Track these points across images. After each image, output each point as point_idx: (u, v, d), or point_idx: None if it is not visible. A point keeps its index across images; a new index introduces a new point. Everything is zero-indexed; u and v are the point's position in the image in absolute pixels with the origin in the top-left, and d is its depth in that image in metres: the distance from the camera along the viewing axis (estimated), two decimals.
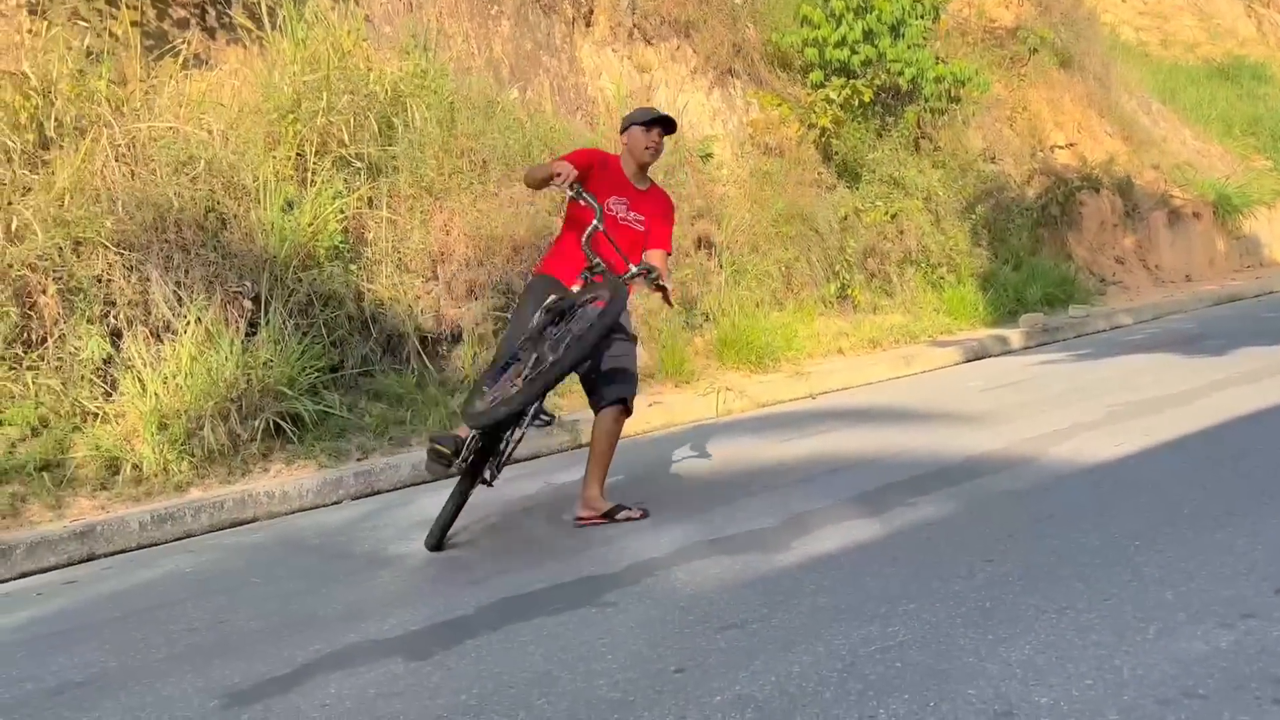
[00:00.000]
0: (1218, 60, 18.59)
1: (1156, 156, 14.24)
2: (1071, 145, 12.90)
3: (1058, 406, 5.67)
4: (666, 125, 4.29)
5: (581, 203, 3.97)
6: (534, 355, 3.81)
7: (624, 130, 4.39)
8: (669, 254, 4.45)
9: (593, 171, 4.16)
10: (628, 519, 4.10)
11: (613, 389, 4.17)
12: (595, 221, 3.95)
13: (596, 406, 4.25)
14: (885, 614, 2.73)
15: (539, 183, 4.15)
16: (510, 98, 8.29)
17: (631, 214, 4.29)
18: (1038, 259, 11.40)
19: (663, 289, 4.16)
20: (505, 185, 7.42)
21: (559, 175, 3.92)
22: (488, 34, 8.74)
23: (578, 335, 3.69)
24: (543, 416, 4.10)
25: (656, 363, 7.59)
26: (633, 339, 4.30)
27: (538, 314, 3.95)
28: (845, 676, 2.35)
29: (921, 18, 10.50)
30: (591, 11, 9.52)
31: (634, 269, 4.00)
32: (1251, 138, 16.65)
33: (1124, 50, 16.86)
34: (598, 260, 3.97)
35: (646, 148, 4.28)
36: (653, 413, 6.76)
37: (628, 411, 4.25)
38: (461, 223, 7.09)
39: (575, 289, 4.04)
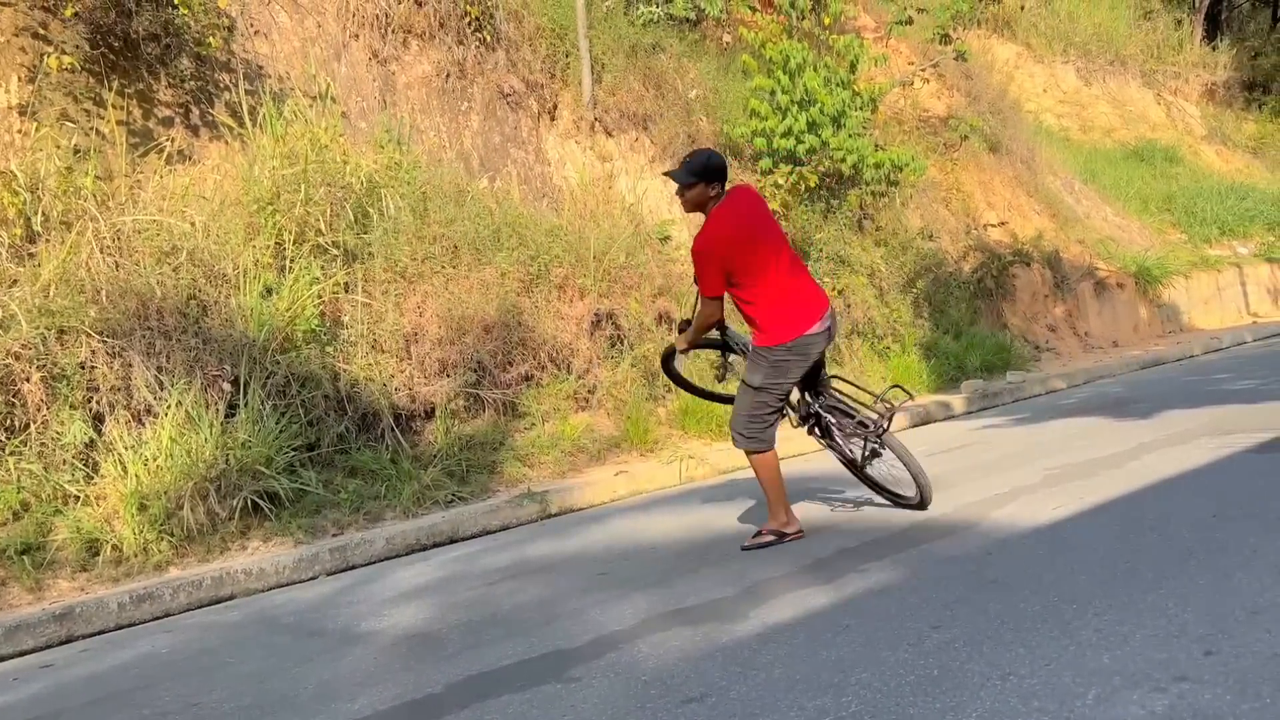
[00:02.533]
0: (1132, 144, 19.17)
1: (1081, 232, 14.57)
2: (1003, 223, 13.18)
3: (998, 471, 5.69)
4: (672, 176, 4.45)
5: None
6: None
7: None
8: (701, 297, 4.49)
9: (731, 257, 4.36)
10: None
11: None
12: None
13: None
14: (839, 684, 2.68)
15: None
16: (480, 187, 8.35)
17: None
18: (976, 329, 11.55)
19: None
20: (475, 268, 7.44)
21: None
22: (458, 128, 8.83)
23: None
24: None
25: (622, 432, 7.56)
26: (745, 387, 4.53)
27: None
28: None
29: (860, 109, 10.75)
30: (555, 106, 9.67)
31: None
32: (1166, 213, 17.11)
33: (1047, 135, 17.35)
34: None
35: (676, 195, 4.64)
36: (618, 481, 6.71)
37: (743, 448, 4.60)
38: (434, 304, 7.08)
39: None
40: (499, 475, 6.70)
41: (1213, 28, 23.87)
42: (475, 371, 7.09)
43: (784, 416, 4.70)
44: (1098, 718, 2.28)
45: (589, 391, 7.68)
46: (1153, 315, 14.41)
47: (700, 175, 4.31)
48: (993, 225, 13.06)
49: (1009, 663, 2.68)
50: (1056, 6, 20.67)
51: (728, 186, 4.42)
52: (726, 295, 4.42)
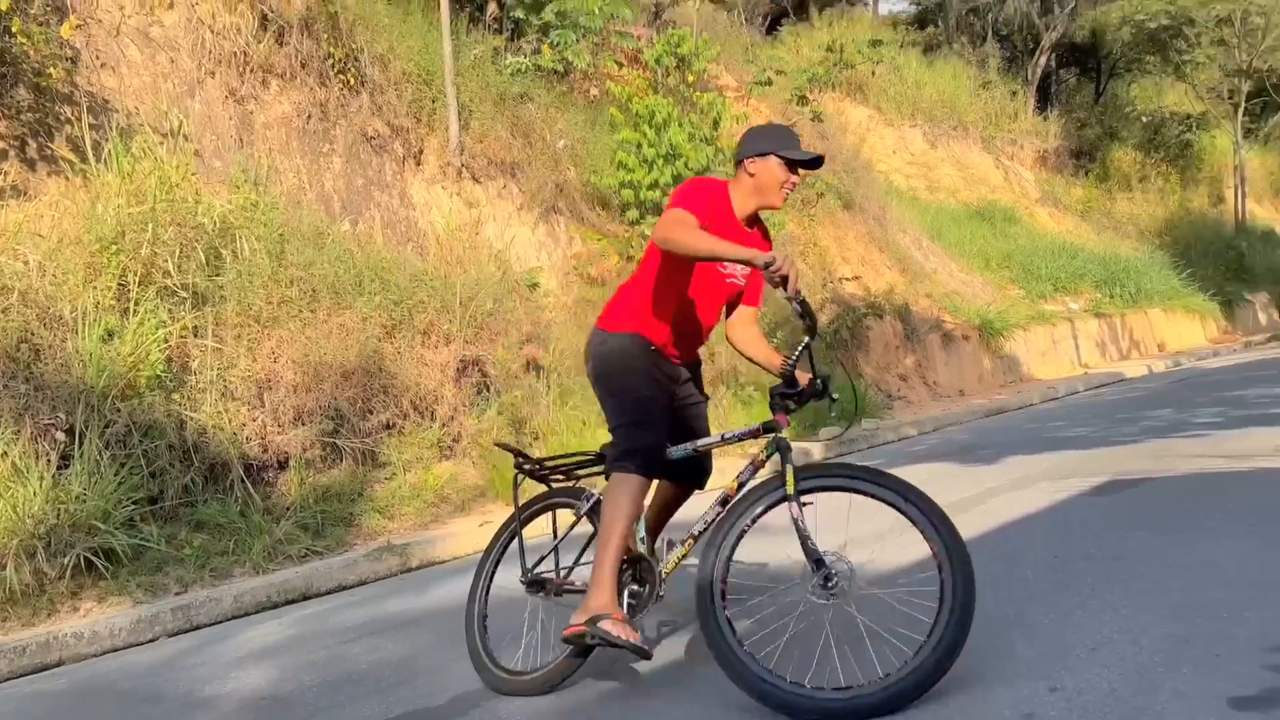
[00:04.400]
0: (975, 204, 20.41)
1: (929, 286, 15.33)
2: (857, 277, 13.75)
3: (854, 517, 5.84)
4: (814, 165, 3.18)
5: (805, 321, 3.09)
6: None
7: (753, 155, 3.18)
8: (757, 310, 3.51)
9: (709, 222, 3.06)
10: None
11: None
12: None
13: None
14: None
15: (713, 256, 2.94)
16: (341, 230, 8.15)
17: (739, 266, 3.29)
18: (833, 378, 11.93)
19: None
20: (335, 313, 7.23)
21: (776, 270, 2.77)
22: (319, 170, 8.62)
23: None
24: None
25: (487, 482, 7.42)
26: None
27: None
28: None
29: (723, 165, 11.07)
30: (422, 151, 9.57)
31: None
32: (1006, 270, 18.21)
33: (897, 195, 18.27)
34: None
35: (784, 187, 3.19)
36: (483, 533, 6.56)
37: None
38: (290, 350, 6.83)
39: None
40: (357, 528, 6.46)
41: (1044, 100, 25.78)
42: (333, 420, 6.85)
43: None
44: None
45: (453, 440, 7.53)
46: (995, 366, 15.24)
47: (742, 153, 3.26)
48: (848, 279, 13.59)
49: None
50: (905, 74, 21.94)
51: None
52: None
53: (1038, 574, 3.98)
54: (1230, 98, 23.87)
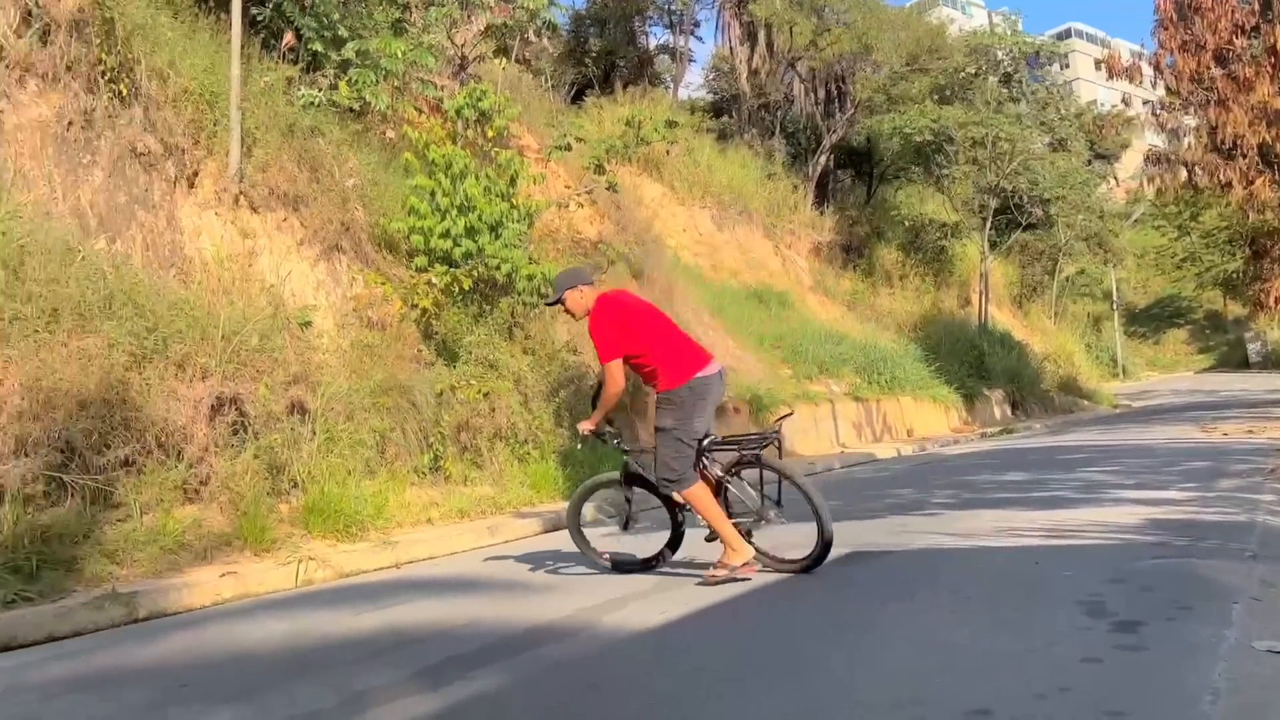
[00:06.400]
0: (754, 286, 21.52)
1: None
2: None
3: (616, 577, 5.90)
4: (552, 303, 5.69)
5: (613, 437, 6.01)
6: None
7: None
8: (603, 365, 5.46)
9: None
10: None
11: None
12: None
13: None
14: None
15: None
16: (95, 247, 7.51)
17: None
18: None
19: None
20: (77, 335, 6.61)
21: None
22: (77, 181, 7.93)
23: None
24: None
25: (235, 529, 6.92)
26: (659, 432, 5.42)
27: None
28: None
29: (517, 222, 11.12)
30: (196, 174, 9.02)
31: None
32: (777, 350, 19.24)
33: (684, 270, 18.99)
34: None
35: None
36: (224, 583, 6.10)
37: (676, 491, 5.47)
38: (18, 372, 6.17)
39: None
40: (78, 573, 5.83)
41: (822, 195, 27.78)
42: (62, 452, 6.21)
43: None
44: None
45: (201, 483, 7.00)
46: None
47: (571, 283, 5.39)
48: None
49: None
50: (698, 157, 23.03)
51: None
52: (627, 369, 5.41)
53: (779, 638, 4.14)
54: (980, 211, 26.56)
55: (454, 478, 9.67)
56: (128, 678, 4.13)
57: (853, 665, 3.62)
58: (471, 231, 10.40)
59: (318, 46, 10.72)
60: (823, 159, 27.35)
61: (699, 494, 5.24)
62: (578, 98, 23.06)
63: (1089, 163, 33.53)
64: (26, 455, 6.03)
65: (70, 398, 6.30)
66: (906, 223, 27.92)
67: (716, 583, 5.16)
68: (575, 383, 12.13)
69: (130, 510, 6.45)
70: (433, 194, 10.35)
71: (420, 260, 10.40)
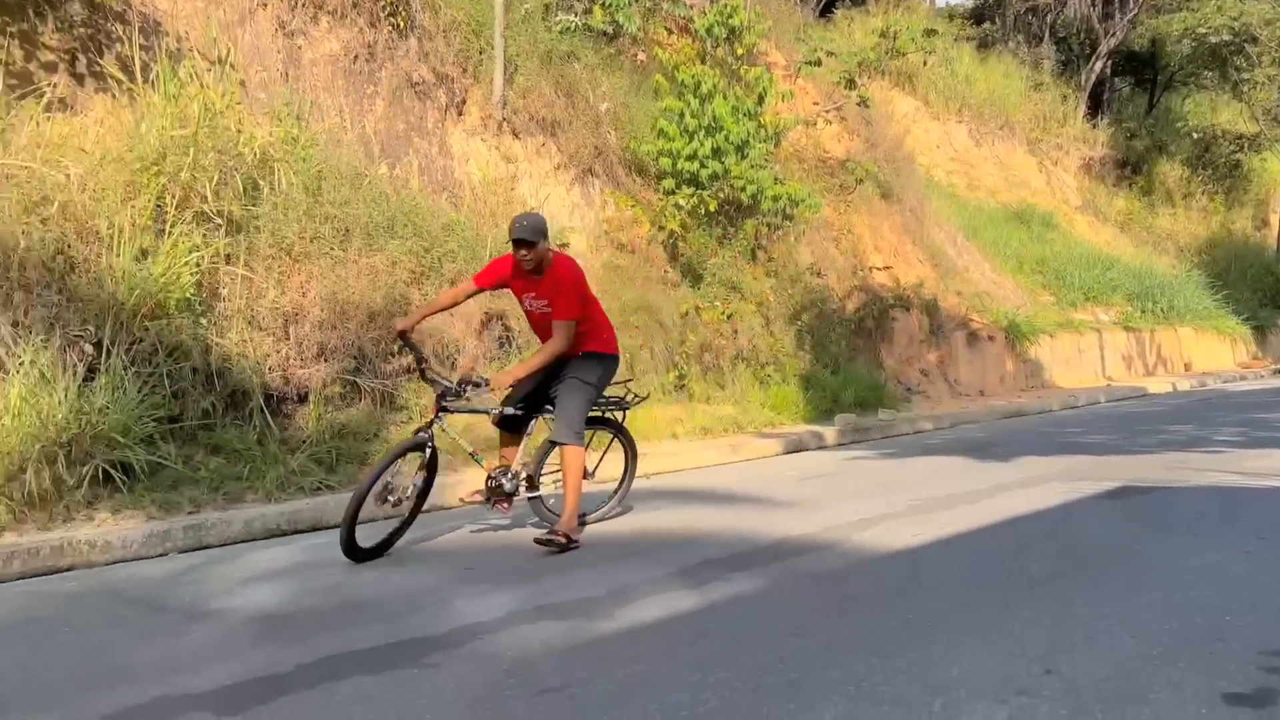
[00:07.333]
0: (1013, 206, 20.19)
1: (960, 284, 15.24)
2: (888, 268, 13.67)
3: (865, 498, 5.88)
4: (520, 245, 4.79)
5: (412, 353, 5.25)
6: None
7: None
8: (567, 320, 4.88)
9: (508, 280, 5.04)
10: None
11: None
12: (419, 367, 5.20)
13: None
14: (697, 682, 2.72)
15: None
16: (379, 172, 8.19)
17: (539, 302, 4.96)
18: (853, 365, 11.92)
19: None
20: (366, 253, 7.28)
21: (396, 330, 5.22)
22: (362, 111, 8.65)
23: None
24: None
25: (497, 435, 7.46)
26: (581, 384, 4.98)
27: None
28: None
29: (764, 141, 11.02)
30: (464, 101, 9.58)
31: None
32: (1039, 275, 18.05)
33: (936, 189, 18.12)
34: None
35: (517, 262, 4.89)
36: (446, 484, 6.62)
37: (574, 444, 4.92)
38: (318, 286, 6.89)
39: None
40: (370, 467, 6.53)
41: (1095, 106, 25.41)
42: (355, 359, 6.92)
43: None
44: None
45: None
46: (1018, 369, 15.15)
47: (544, 234, 4.86)
48: (878, 269, 13.52)
49: (862, 671, 2.77)
50: (955, 68, 21.68)
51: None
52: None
53: (1042, 566, 4.00)
54: None
55: (697, 396, 9.90)
56: (420, 558, 4.62)
57: (1132, 596, 3.45)
58: (718, 152, 10.41)
59: None
60: (1098, 66, 24.95)
61: (581, 459, 4.97)
62: (827, 10, 22.20)
63: None
64: (326, 361, 6.77)
65: (361, 310, 6.98)
66: (1194, 135, 25.09)
67: (554, 549, 4.57)
68: (818, 306, 12.00)
69: (411, 413, 7.10)
70: (681, 115, 10.42)
71: (668, 183, 10.56)
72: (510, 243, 4.84)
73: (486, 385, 4.75)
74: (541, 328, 5.05)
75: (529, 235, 4.76)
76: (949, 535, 4.65)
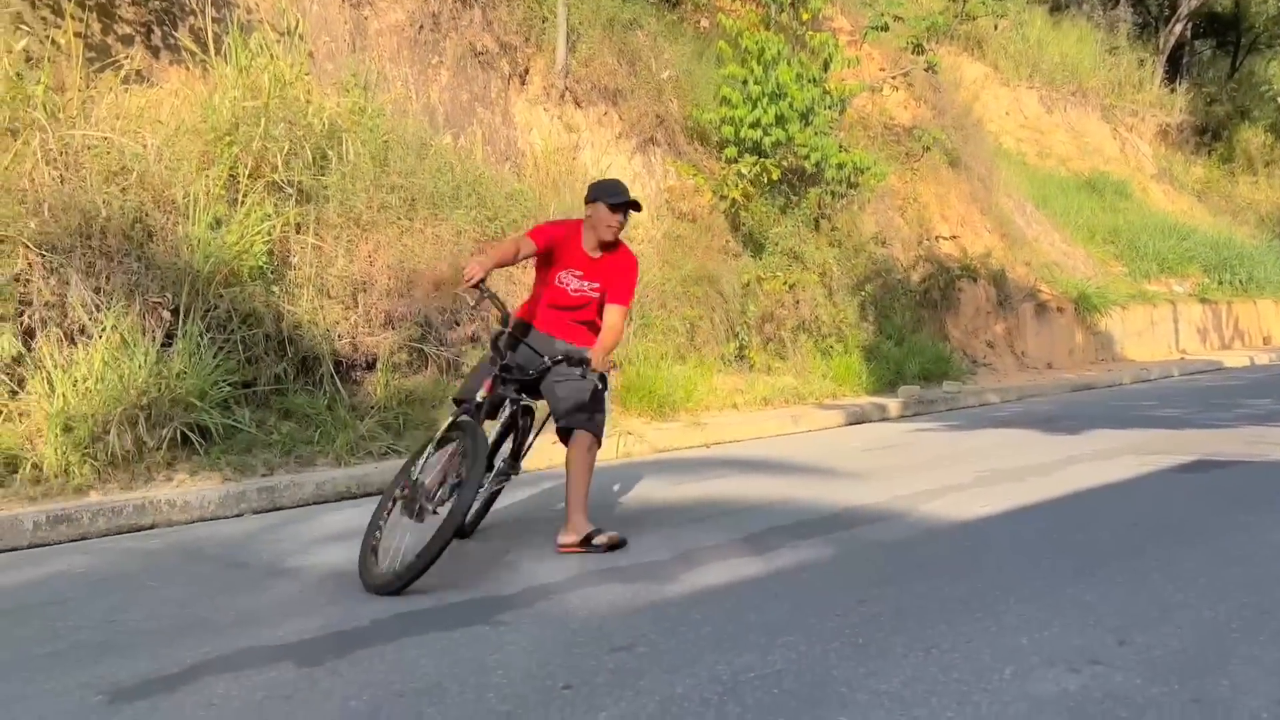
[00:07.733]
0: (1085, 174, 19.66)
1: (1028, 254, 14.91)
2: (955, 237, 13.43)
3: (930, 469, 5.82)
4: (634, 208, 4.07)
5: (495, 308, 3.88)
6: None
7: (591, 200, 4.11)
8: (624, 307, 4.16)
9: (555, 249, 4.08)
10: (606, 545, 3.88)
11: (577, 419, 4.08)
12: (501, 327, 3.97)
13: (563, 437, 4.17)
14: (765, 644, 2.74)
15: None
16: (443, 142, 8.27)
17: (586, 283, 4.13)
18: (917, 337, 11.77)
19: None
20: (431, 223, 7.37)
21: (466, 277, 3.75)
22: (426, 81, 8.72)
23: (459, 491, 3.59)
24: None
25: None
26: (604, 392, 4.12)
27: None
28: (725, 700, 2.35)
29: (829, 108, 10.87)
30: (527, 71, 9.60)
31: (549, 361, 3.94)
32: (1111, 245, 17.59)
33: (1005, 157, 17.71)
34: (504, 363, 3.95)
35: (609, 226, 4.06)
36: (555, 450, 6.70)
37: (598, 441, 4.17)
38: (386, 255, 7.00)
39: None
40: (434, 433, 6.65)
41: (1173, 71, 24.57)
42: (421, 327, 7.03)
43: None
44: (1013, 691, 2.37)
45: None
46: (1088, 341, 14.82)
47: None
48: (944, 238, 13.30)
49: (931, 638, 2.76)
50: (1027, 32, 21.10)
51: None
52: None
53: (1114, 538, 3.94)
54: None
55: (758, 366, 9.88)
56: (492, 522, 4.69)
57: (1211, 570, 3.38)
58: (781, 120, 10.29)
59: None
60: (1177, 28, 24.09)
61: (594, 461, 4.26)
62: None
63: None
64: (393, 328, 6.89)
65: (427, 279, 7.07)
66: (1279, 100, 24.14)
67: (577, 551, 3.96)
68: (882, 276, 11.86)
69: None
70: (745, 82, 10.32)
71: (730, 151, 10.48)
72: (608, 206, 4.02)
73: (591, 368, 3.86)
74: (561, 308, 4.18)
75: (628, 199, 4.05)
76: (1018, 507, 4.60)
